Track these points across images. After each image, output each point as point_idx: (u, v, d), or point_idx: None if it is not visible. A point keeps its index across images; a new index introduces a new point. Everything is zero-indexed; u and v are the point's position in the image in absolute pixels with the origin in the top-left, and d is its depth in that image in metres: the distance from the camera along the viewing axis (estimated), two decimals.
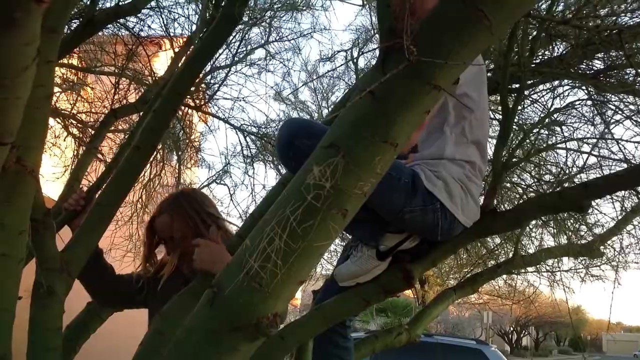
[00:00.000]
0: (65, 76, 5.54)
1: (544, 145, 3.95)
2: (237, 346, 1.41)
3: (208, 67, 5.07)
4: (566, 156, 3.91)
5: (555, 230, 4.69)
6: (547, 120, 3.66)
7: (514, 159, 2.98)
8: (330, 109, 5.23)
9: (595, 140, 3.73)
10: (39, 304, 1.92)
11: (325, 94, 5.87)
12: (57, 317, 1.95)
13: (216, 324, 1.41)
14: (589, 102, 3.59)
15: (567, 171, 3.97)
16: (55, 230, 1.98)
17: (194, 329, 1.46)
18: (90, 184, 3.66)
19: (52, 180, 5.93)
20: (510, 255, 3.93)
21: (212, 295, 1.44)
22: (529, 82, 3.20)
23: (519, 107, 3.42)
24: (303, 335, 1.92)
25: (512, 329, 52.02)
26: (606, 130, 3.61)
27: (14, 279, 1.67)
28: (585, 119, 3.71)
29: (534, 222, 4.76)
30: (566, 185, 3.66)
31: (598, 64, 3.25)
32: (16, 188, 1.50)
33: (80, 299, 2.95)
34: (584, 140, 3.78)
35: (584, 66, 3.23)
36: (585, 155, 3.77)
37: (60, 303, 1.95)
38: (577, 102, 3.62)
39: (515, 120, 3.70)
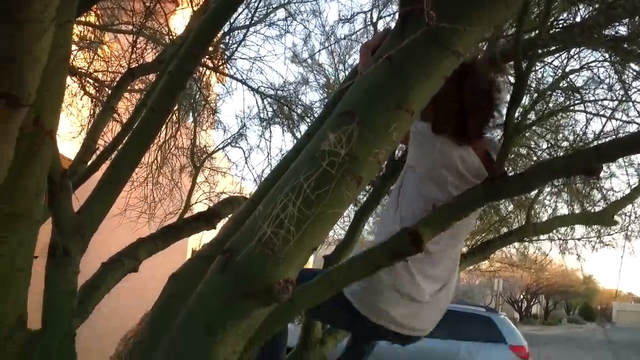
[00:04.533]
0: (82, 34, 5.51)
1: (558, 108, 3.88)
2: (249, 311, 1.43)
3: (227, 27, 5.03)
4: (585, 123, 3.85)
5: (568, 198, 4.66)
6: (562, 83, 3.59)
7: (527, 122, 2.95)
8: (347, 72, 5.19)
9: (611, 103, 3.66)
10: (54, 265, 1.93)
11: (342, 57, 5.82)
12: (71, 277, 1.96)
13: (228, 290, 1.43)
14: (606, 64, 3.50)
15: (582, 138, 3.92)
16: (71, 191, 1.98)
17: (207, 295, 1.47)
18: (106, 144, 3.68)
19: (68, 140, 5.95)
20: (523, 223, 3.93)
21: (225, 261, 1.45)
22: (546, 49, 3.14)
23: (533, 69, 3.36)
24: (313, 299, 1.93)
25: (522, 297, 52.16)
26: (624, 94, 3.54)
27: (30, 239, 1.69)
28: (601, 81, 3.63)
29: (547, 189, 4.74)
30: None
31: (622, 31, 3.17)
32: (34, 149, 1.51)
33: (95, 260, 2.98)
34: (600, 103, 3.71)
35: (605, 32, 3.16)
36: (602, 121, 3.70)
37: (75, 264, 1.96)
38: (594, 64, 3.53)
39: (531, 85, 3.65)
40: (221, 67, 5.59)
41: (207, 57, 4.99)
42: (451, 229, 2.28)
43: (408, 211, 2.23)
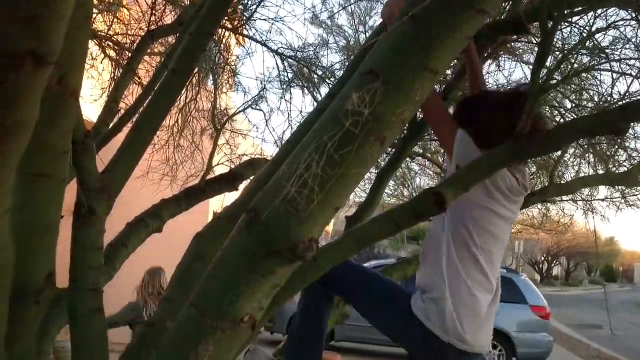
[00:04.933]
0: None
1: (584, 67, 3.81)
2: (273, 269, 1.44)
3: None
4: (612, 83, 3.78)
5: (593, 160, 4.60)
6: (587, 42, 3.51)
7: (552, 81, 2.90)
8: (367, 34, 5.13)
9: (638, 63, 3.58)
10: (80, 224, 1.96)
11: (362, 18, 5.75)
12: (97, 236, 2.00)
13: (253, 248, 1.44)
14: (633, 23, 3.42)
15: (607, 99, 3.85)
16: (95, 152, 2.00)
17: (232, 253, 1.49)
18: (128, 106, 3.70)
19: (90, 102, 5.99)
20: (545, 185, 3.90)
21: (249, 219, 1.46)
22: (572, 9, 3.07)
23: (559, 29, 3.30)
24: (335, 257, 1.94)
25: (543, 258, 52.16)
26: None
27: (57, 199, 1.72)
28: (628, 40, 3.55)
29: (571, 151, 4.68)
30: None
31: None
32: (58, 109, 1.52)
33: (119, 221, 3.02)
34: (626, 62, 3.63)
35: None
36: (627, 82, 3.63)
37: (100, 223, 1.99)
38: (620, 22, 3.44)
39: (556, 45, 3.58)
40: (240, 29, 5.56)
41: (226, 18, 4.96)
42: (493, 234, 2.36)
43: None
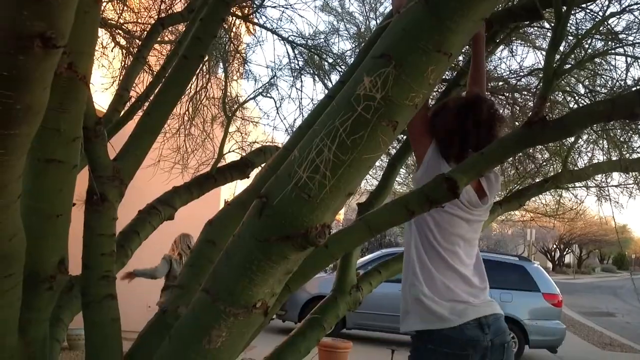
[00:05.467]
0: None
1: (597, 52, 3.77)
2: (286, 254, 1.43)
3: None
4: (626, 68, 3.74)
5: (607, 146, 4.56)
6: (601, 27, 3.47)
7: (566, 66, 2.87)
8: (378, 21, 5.09)
9: None
10: (92, 211, 1.97)
11: (373, 5, 5.71)
12: (110, 223, 2.00)
13: (265, 234, 1.43)
14: None
15: (622, 85, 3.80)
16: (106, 139, 2.00)
17: (244, 238, 1.48)
18: (138, 95, 3.69)
19: (101, 91, 5.99)
20: (559, 171, 3.86)
21: (261, 205, 1.46)
22: None
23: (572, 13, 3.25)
24: (348, 244, 1.93)
25: (555, 246, 51.99)
26: None
27: (69, 185, 1.72)
28: None
29: (585, 137, 4.64)
30: None
31: None
32: (69, 94, 1.51)
33: (131, 210, 3.03)
34: None
35: None
36: None
37: (113, 209, 1.99)
38: (635, 7, 3.39)
39: (570, 29, 3.54)
40: (250, 17, 5.54)
41: (236, 5, 4.94)
42: (458, 235, 2.41)
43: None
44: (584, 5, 3.45)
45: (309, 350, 2.74)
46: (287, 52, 5.56)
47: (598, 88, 4.18)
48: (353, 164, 1.42)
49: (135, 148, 2.18)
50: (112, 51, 5.81)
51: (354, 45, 5.65)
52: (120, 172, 1.99)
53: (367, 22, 5.64)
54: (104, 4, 5.42)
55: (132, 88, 3.84)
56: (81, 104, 1.58)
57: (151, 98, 3.10)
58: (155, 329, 2.26)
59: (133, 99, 3.71)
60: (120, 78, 5.24)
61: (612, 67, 4.07)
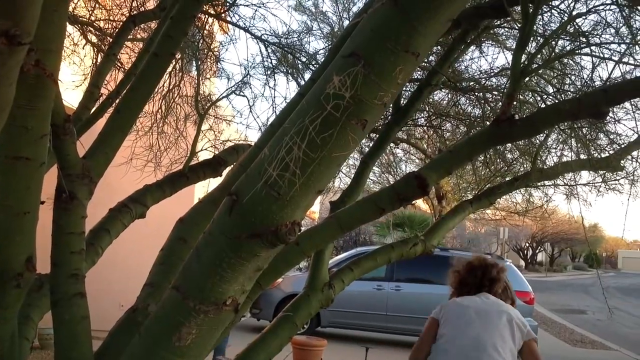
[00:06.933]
0: None
1: (564, 52, 3.83)
2: (256, 252, 1.44)
3: None
4: (592, 67, 3.79)
5: (576, 145, 4.63)
6: (568, 27, 3.52)
7: (534, 66, 2.91)
8: (350, 20, 5.11)
9: (619, 47, 3.60)
10: (61, 209, 1.95)
11: (346, 4, 5.73)
12: (79, 221, 1.98)
13: (235, 231, 1.44)
14: (614, 7, 3.42)
15: (589, 83, 3.86)
16: (76, 136, 1.98)
17: (215, 236, 1.49)
18: (109, 92, 3.66)
19: (71, 88, 5.93)
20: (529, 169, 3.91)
21: (231, 203, 1.46)
22: None
23: (540, 13, 3.30)
24: (319, 241, 1.94)
25: (527, 244, 52.52)
26: (632, 38, 3.47)
27: (36, 182, 1.70)
28: (608, 24, 3.56)
29: (553, 136, 4.71)
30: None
31: None
32: (36, 91, 1.50)
33: (102, 209, 3.01)
34: (608, 47, 3.64)
35: None
36: (608, 68, 3.64)
37: (82, 207, 1.98)
38: (600, 7, 3.45)
39: (537, 29, 3.59)
40: (223, 15, 5.51)
41: (208, 3, 4.92)
42: None
43: None
44: (552, 4, 3.51)
45: (281, 347, 2.75)
46: (260, 51, 5.56)
47: (566, 87, 4.24)
48: (323, 162, 1.43)
49: (105, 146, 2.16)
50: (83, 48, 5.75)
51: (327, 45, 5.67)
52: (89, 170, 1.98)
53: (341, 22, 5.66)
54: (75, 1, 5.36)
55: (104, 86, 3.80)
56: (49, 101, 1.57)
57: (122, 95, 3.08)
58: (125, 327, 2.25)
59: (104, 97, 3.68)
60: (91, 75, 5.19)
61: (580, 68, 4.13)
